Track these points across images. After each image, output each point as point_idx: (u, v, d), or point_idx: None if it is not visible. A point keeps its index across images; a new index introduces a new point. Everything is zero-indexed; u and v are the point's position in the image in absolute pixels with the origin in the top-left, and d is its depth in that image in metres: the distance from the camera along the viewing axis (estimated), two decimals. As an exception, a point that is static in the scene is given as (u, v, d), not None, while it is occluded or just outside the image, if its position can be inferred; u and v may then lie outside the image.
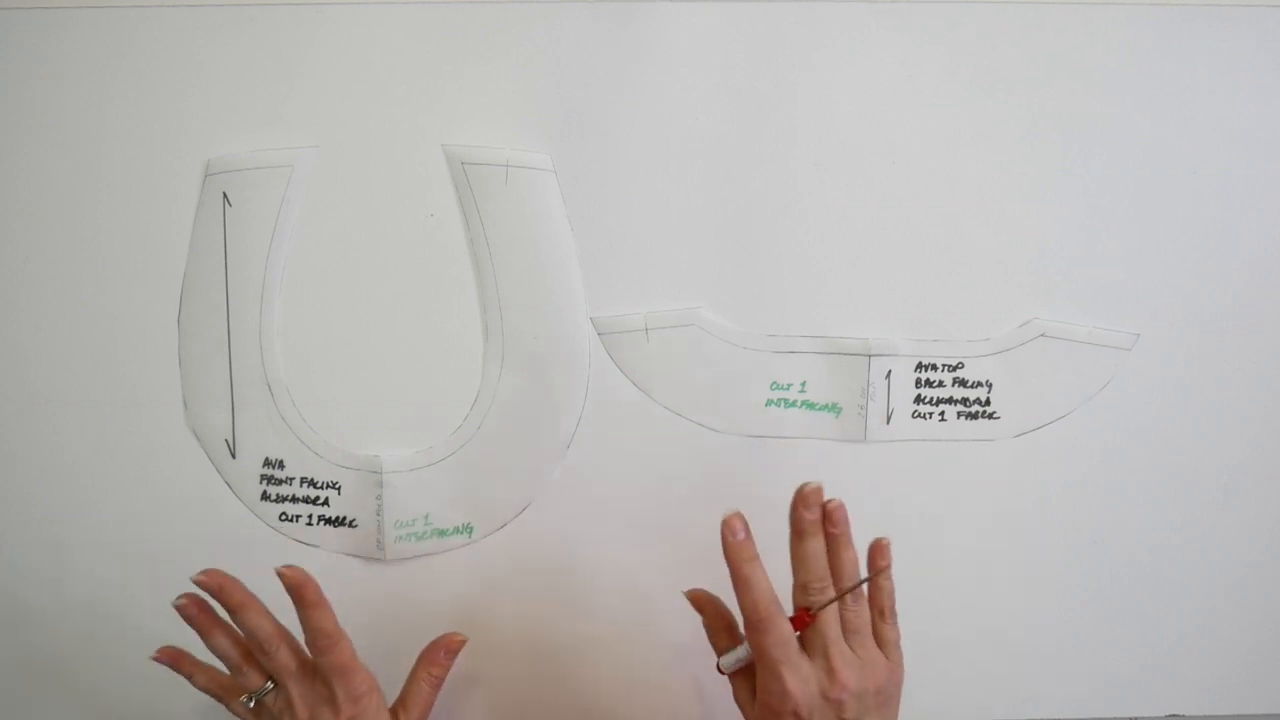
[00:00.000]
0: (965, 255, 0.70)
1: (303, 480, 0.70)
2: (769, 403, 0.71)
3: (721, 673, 0.63)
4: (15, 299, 0.69)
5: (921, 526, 0.72)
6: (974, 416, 0.71)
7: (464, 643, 0.67)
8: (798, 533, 0.60)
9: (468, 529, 0.70)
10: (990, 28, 0.68)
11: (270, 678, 0.62)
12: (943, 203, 0.69)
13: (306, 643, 0.61)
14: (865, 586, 0.61)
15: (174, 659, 0.64)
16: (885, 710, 0.60)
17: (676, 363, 0.70)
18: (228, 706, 0.64)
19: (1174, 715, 0.75)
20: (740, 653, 0.61)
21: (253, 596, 0.61)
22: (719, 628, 0.64)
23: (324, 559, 0.71)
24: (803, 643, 0.59)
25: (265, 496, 0.70)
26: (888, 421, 0.71)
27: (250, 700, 0.62)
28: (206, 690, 0.64)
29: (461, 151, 0.67)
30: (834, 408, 0.71)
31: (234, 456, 0.70)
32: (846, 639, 0.59)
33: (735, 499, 0.70)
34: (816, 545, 0.60)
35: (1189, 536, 0.73)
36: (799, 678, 0.57)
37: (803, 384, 0.71)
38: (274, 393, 0.69)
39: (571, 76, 0.67)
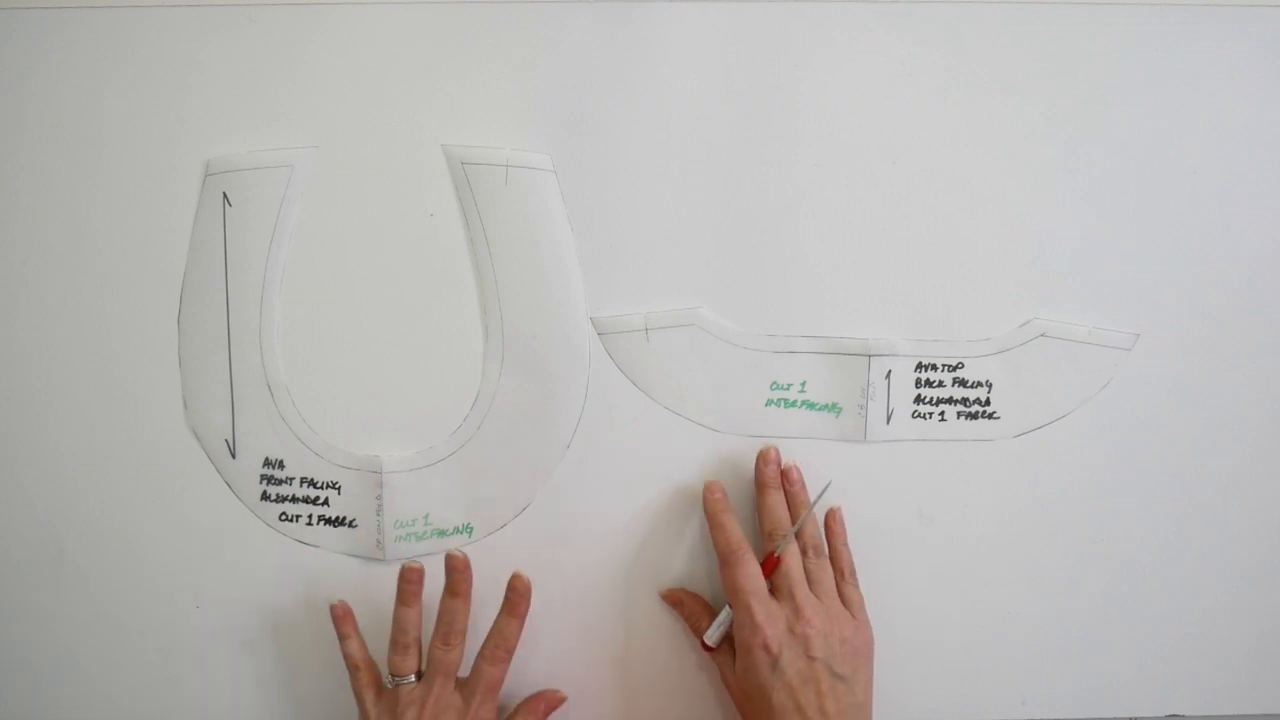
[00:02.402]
0: (965, 255, 0.70)
1: (303, 480, 0.70)
2: (769, 403, 0.71)
3: (708, 649, 0.68)
4: (15, 299, 0.69)
5: (921, 526, 0.72)
6: (974, 416, 0.71)
7: (564, 700, 0.71)
8: (760, 486, 0.69)
9: (468, 529, 0.70)
10: (990, 28, 0.68)
11: (418, 673, 0.67)
12: (943, 203, 0.69)
13: (485, 646, 0.67)
14: (827, 550, 0.69)
15: (344, 615, 0.68)
16: (856, 663, 0.65)
17: (676, 363, 0.70)
18: (354, 681, 0.67)
19: (1174, 715, 0.75)
20: (721, 617, 0.68)
21: (471, 592, 0.68)
22: (698, 614, 0.70)
23: (323, 559, 0.71)
24: (771, 590, 0.66)
25: (265, 496, 0.70)
26: (888, 421, 0.71)
27: (393, 682, 0.66)
28: (350, 656, 0.68)
29: (461, 151, 0.67)
30: (834, 408, 0.71)
31: (234, 456, 0.70)
32: (811, 589, 0.66)
33: (735, 499, 0.71)
34: (777, 497, 0.69)
35: (1189, 536, 0.73)
36: (767, 611, 0.64)
37: (803, 384, 0.71)
38: (274, 393, 0.69)
39: (571, 76, 0.67)
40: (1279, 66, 0.69)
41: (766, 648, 0.63)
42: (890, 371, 0.70)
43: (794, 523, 0.68)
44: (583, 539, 0.71)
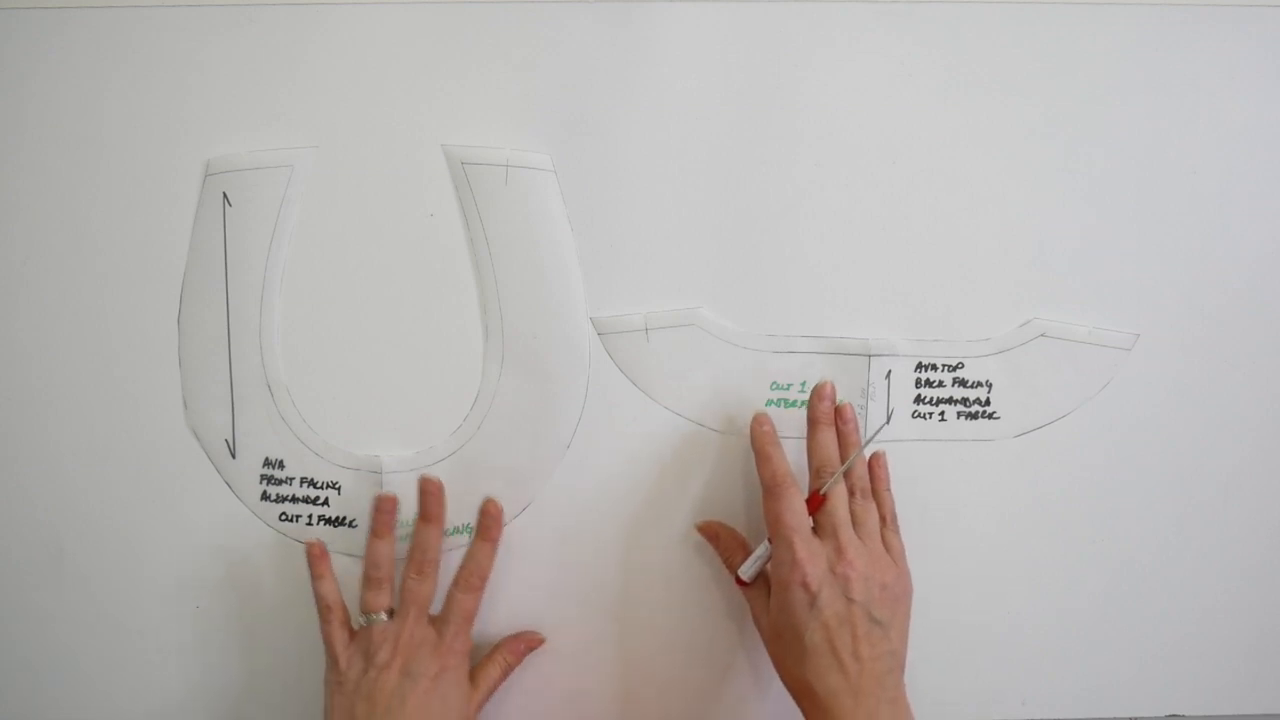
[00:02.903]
0: (965, 255, 0.70)
1: (303, 480, 0.70)
2: (769, 403, 0.71)
3: (741, 584, 0.67)
4: (15, 299, 0.68)
5: (921, 526, 0.71)
6: (974, 416, 0.71)
7: (542, 642, 0.71)
8: (812, 422, 0.67)
9: (468, 529, 0.70)
10: (990, 28, 0.68)
11: (390, 611, 0.66)
12: (943, 202, 0.69)
13: (459, 574, 0.66)
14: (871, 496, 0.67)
15: (320, 555, 0.67)
16: (895, 610, 0.63)
17: (676, 363, 0.70)
18: (324, 625, 0.66)
19: (1174, 715, 0.75)
20: (759, 551, 0.66)
21: (444, 517, 0.68)
22: (733, 548, 0.69)
23: (324, 559, 0.71)
24: (814, 529, 0.64)
25: (265, 496, 0.70)
26: (888, 421, 0.71)
27: (366, 619, 0.65)
28: (323, 597, 0.66)
29: (461, 151, 0.67)
30: (834, 408, 0.71)
31: (234, 456, 0.70)
32: (855, 531, 0.64)
33: (735, 499, 0.71)
34: (829, 434, 0.67)
35: (1189, 536, 0.73)
36: (809, 549, 0.62)
37: (803, 384, 0.71)
38: (274, 393, 0.69)
39: (571, 76, 0.67)
40: (1279, 66, 0.69)
41: (805, 585, 0.61)
42: (890, 371, 0.70)
43: (843, 462, 0.66)
44: (583, 539, 0.71)
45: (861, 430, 0.70)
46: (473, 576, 0.66)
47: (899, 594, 0.64)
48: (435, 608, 0.67)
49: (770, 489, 0.65)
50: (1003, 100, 0.68)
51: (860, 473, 0.67)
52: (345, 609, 0.67)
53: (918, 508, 0.71)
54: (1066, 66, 0.68)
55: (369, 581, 0.66)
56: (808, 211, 0.69)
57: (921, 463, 0.71)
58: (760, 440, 0.67)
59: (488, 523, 0.67)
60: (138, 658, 0.72)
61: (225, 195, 0.67)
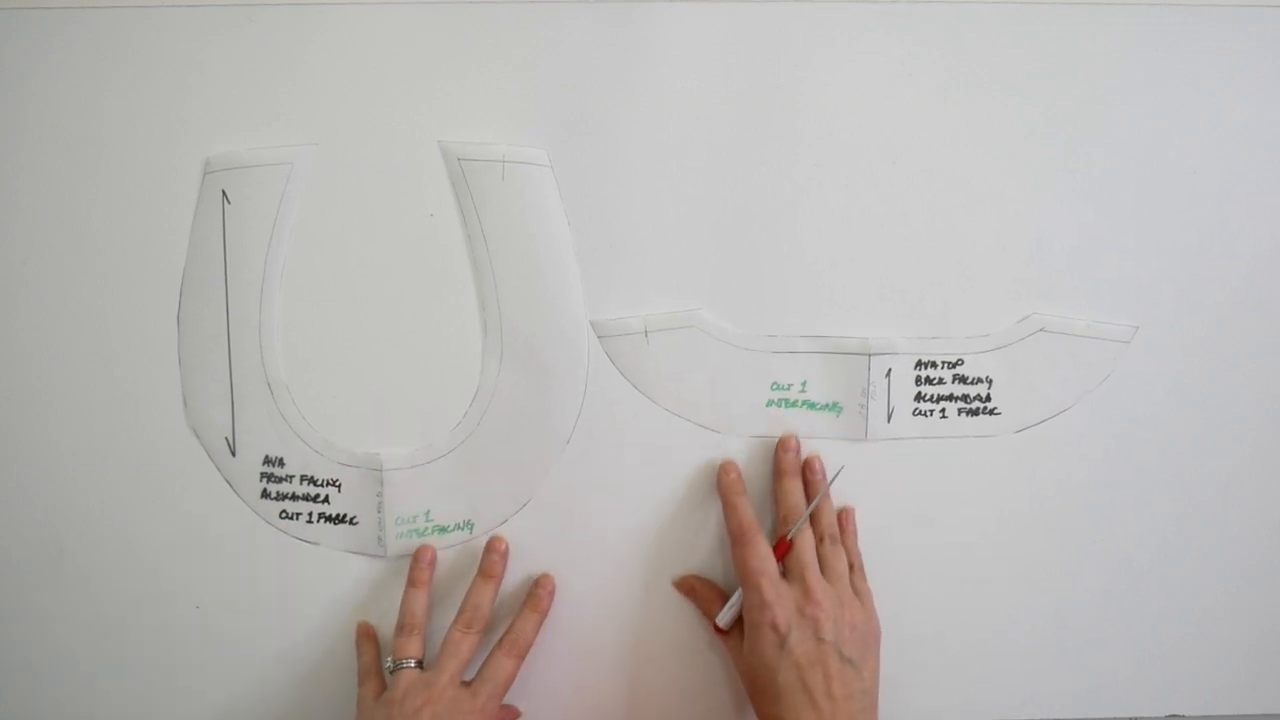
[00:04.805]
0: (964, 252, 0.69)
1: (303, 478, 0.70)
2: (770, 403, 0.71)
3: (720, 632, 0.69)
4: (15, 299, 0.68)
5: (923, 525, 0.72)
6: (975, 413, 0.71)
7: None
8: (778, 473, 0.69)
9: (468, 525, 0.70)
10: (990, 28, 0.68)
11: (419, 662, 0.66)
12: (942, 201, 0.69)
13: (505, 638, 0.67)
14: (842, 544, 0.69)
15: (367, 633, 0.70)
16: (865, 650, 0.64)
17: (676, 365, 0.70)
18: (359, 657, 0.69)
19: (1174, 715, 0.75)
20: (733, 599, 0.68)
21: (503, 578, 0.69)
22: (711, 599, 0.70)
23: (324, 556, 0.70)
24: (783, 574, 0.66)
25: (265, 494, 0.70)
26: (888, 420, 0.71)
27: (394, 664, 0.65)
28: (365, 668, 0.68)
29: (457, 147, 0.67)
30: (835, 407, 0.71)
31: (234, 454, 0.70)
32: (824, 574, 0.66)
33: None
34: (795, 483, 0.69)
35: (1189, 535, 0.73)
36: (776, 591, 0.64)
37: (803, 384, 0.71)
38: (274, 390, 0.69)
39: (571, 76, 0.67)
40: (1279, 66, 0.69)
41: (775, 626, 0.63)
42: (890, 370, 0.70)
43: (812, 519, 0.68)
44: (583, 535, 0.71)
45: (864, 428, 0.70)
46: (521, 644, 0.67)
47: (869, 634, 0.65)
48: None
49: (737, 537, 0.67)
50: (1003, 100, 0.68)
51: (828, 520, 0.69)
52: (383, 678, 0.68)
53: (919, 506, 0.71)
54: (1066, 66, 0.68)
55: (401, 629, 0.67)
56: (807, 210, 0.69)
57: (923, 461, 0.71)
58: (726, 489, 0.69)
59: (540, 594, 0.69)
60: (138, 658, 0.72)
61: (224, 193, 0.67)
